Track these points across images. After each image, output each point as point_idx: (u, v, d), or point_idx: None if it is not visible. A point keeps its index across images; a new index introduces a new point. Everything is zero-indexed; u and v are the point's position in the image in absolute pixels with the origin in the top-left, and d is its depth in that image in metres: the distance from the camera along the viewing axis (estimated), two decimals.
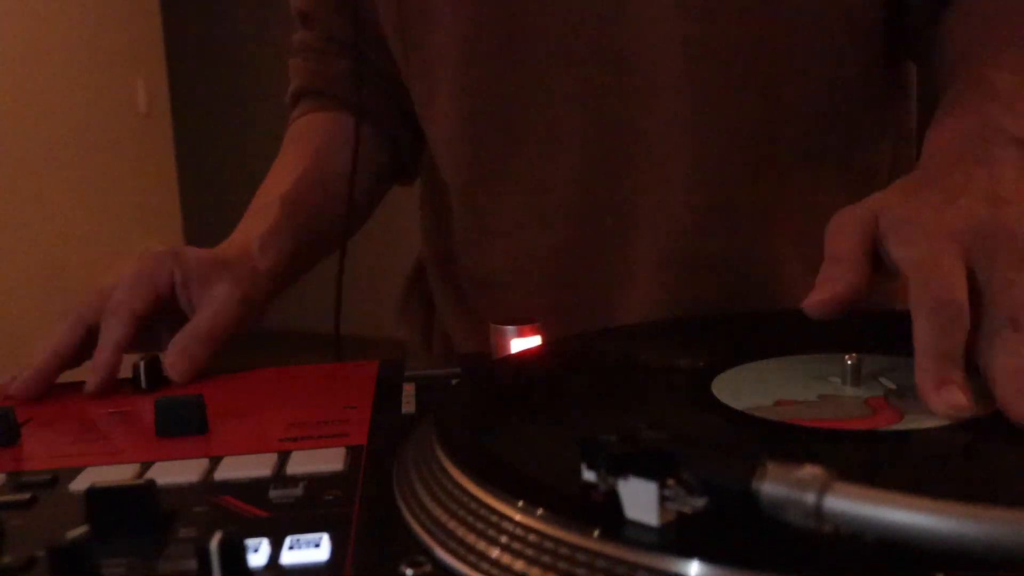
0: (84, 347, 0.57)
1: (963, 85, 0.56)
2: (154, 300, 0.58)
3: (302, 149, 0.75)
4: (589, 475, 0.28)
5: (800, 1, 0.61)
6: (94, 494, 0.32)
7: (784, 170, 0.64)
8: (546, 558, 0.27)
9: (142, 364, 0.55)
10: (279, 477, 0.38)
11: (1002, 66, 0.54)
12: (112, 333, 0.56)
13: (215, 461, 0.40)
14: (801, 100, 0.63)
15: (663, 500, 0.27)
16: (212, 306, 0.59)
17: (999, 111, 0.50)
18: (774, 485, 0.25)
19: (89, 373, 0.55)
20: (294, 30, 0.79)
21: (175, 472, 0.38)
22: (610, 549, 0.26)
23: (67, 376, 0.57)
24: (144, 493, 0.32)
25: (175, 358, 0.56)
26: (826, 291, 0.41)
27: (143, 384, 0.54)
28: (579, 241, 0.66)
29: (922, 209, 0.43)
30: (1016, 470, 0.33)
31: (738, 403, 0.39)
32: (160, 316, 0.60)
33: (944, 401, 0.36)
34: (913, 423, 0.36)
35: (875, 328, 0.50)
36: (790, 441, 0.35)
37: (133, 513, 0.32)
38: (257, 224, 0.67)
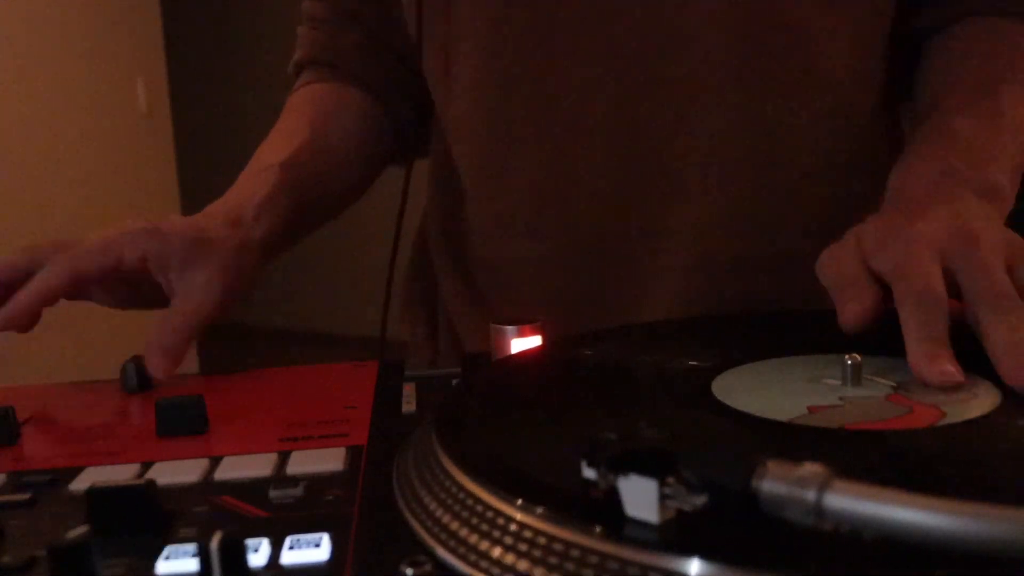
0: (22, 280, 0.56)
1: (928, 130, 0.58)
2: (110, 271, 0.57)
3: (303, 117, 0.74)
4: (589, 473, 0.28)
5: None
6: (94, 494, 0.32)
7: (823, 170, 0.64)
8: (547, 556, 0.27)
9: (131, 365, 0.54)
10: (279, 477, 0.38)
11: (964, 113, 0.58)
12: (43, 278, 0.55)
13: (215, 461, 0.40)
14: (838, 105, 0.63)
15: (663, 498, 0.27)
16: (191, 297, 0.57)
17: (958, 159, 0.54)
18: (774, 483, 0.25)
19: (6, 307, 0.55)
20: None
21: (175, 472, 0.38)
22: (611, 547, 0.26)
23: (68, 377, 0.57)
24: (144, 493, 0.32)
25: (155, 356, 0.55)
26: (855, 306, 0.44)
27: (131, 384, 0.54)
28: (603, 235, 0.65)
29: (895, 223, 0.47)
30: None
31: (758, 410, 0.38)
32: (129, 287, 0.59)
33: (937, 371, 0.40)
34: (958, 416, 0.36)
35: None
36: (856, 446, 0.35)
37: (133, 513, 0.32)
38: (253, 190, 0.65)
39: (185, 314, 0.57)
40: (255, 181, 0.66)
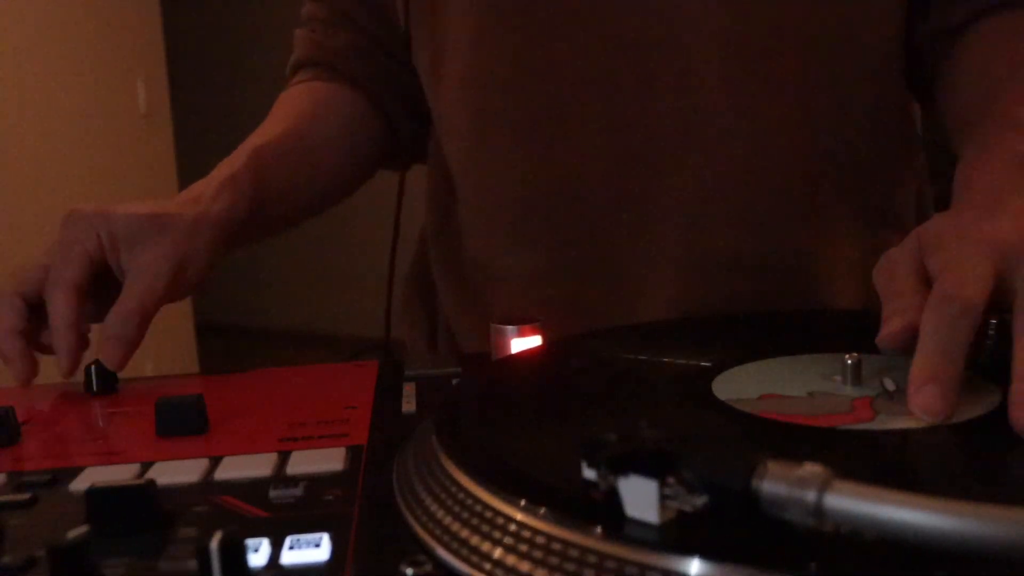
0: (33, 320, 0.56)
1: (990, 122, 0.56)
2: (89, 266, 0.56)
3: (286, 111, 0.74)
4: (589, 474, 0.28)
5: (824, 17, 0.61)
6: (94, 494, 0.32)
7: (817, 173, 0.64)
8: (547, 557, 0.27)
9: (93, 368, 0.54)
10: (279, 477, 0.38)
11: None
12: (59, 313, 0.54)
13: (215, 461, 0.40)
14: (836, 106, 0.63)
15: (663, 498, 0.27)
16: (140, 279, 0.56)
17: None
18: (774, 483, 0.25)
19: (58, 359, 0.54)
20: (303, 2, 0.79)
21: (175, 472, 0.38)
22: (611, 547, 0.26)
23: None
24: (144, 493, 0.32)
25: (108, 347, 0.54)
26: (896, 323, 0.40)
27: (94, 388, 0.54)
28: (595, 232, 0.65)
29: (960, 221, 0.44)
30: (988, 471, 0.33)
31: (723, 395, 0.39)
32: (100, 281, 0.57)
33: (918, 402, 0.36)
34: (881, 424, 0.36)
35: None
36: (766, 437, 0.36)
37: (133, 513, 0.32)
38: (218, 173, 0.64)
39: (135, 298, 0.56)
40: (222, 167, 0.66)
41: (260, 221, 0.66)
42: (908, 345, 0.39)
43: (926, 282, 0.42)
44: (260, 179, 0.65)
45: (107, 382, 0.54)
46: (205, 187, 0.63)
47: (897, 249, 0.45)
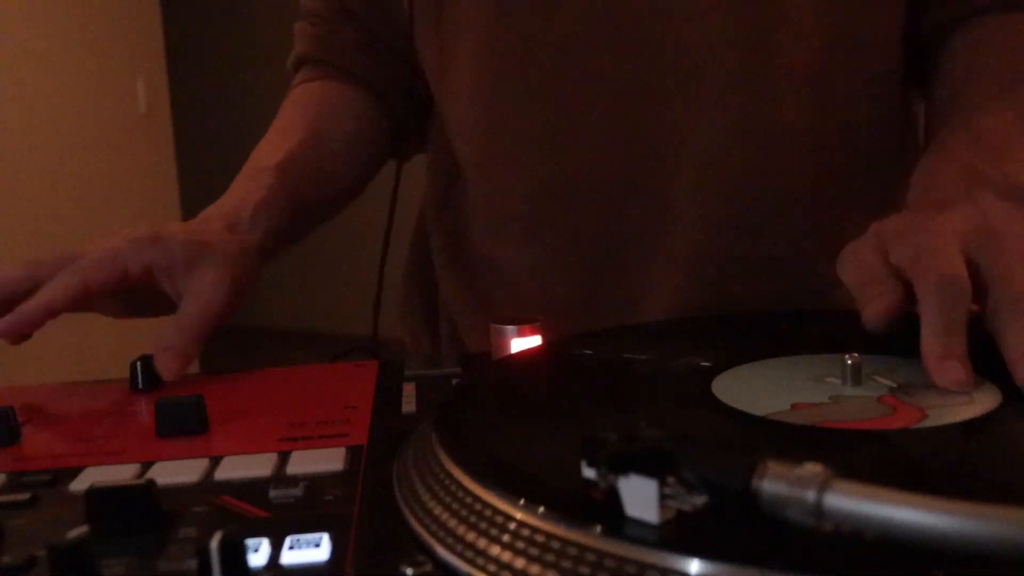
0: (24, 294, 0.55)
1: (950, 130, 0.58)
2: (116, 283, 0.56)
3: (299, 117, 0.74)
4: (589, 473, 0.28)
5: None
6: (94, 494, 0.32)
7: (825, 172, 0.64)
8: (547, 556, 0.27)
9: (138, 364, 0.54)
10: (279, 477, 0.38)
11: (986, 111, 0.58)
12: (52, 290, 0.54)
13: (215, 461, 0.40)
14: (847, 102, 0.63)
15: (663, 498, 0.27)
16: (201, 297, 0.57)
17: (980, 159, 0.54)
18: (774, 483, 0.25)
19: (9, 320, 0.54)
20: None
21: (175, 472, 0.38)
22: (611, 547, 0.26)
23: (68, 376, 0.56)
24: (144, 493, 0.32)
25: (165, 356, 0.54)
26: (881, 302, 0.43)
27: (139, 384, 0.54)
28: (603, 229, 0.65)
29: (915, 218, 0.47)
30: None
31: (755, 409, 0.38)
32: (133, 296, 0.58)
33: (947, 375, 0.39)
34: (938, 419, 0.36)
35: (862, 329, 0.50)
36: (817, 444, 0.35)
37: (133, 513, 0.32)
38: (249, 193, 0.65)
39: (194, 315, 0.56)
40: (250, 184, 0.66)
41: (289, 239, 0.67)
42: (893, 325, 0.43)
43: (895, 268, 0.45)
44: (292, 201, 0.66)
45: (153, 377, 0.54)
46: (238, 212, 0.63)
47: (858, 243, 0.48)
